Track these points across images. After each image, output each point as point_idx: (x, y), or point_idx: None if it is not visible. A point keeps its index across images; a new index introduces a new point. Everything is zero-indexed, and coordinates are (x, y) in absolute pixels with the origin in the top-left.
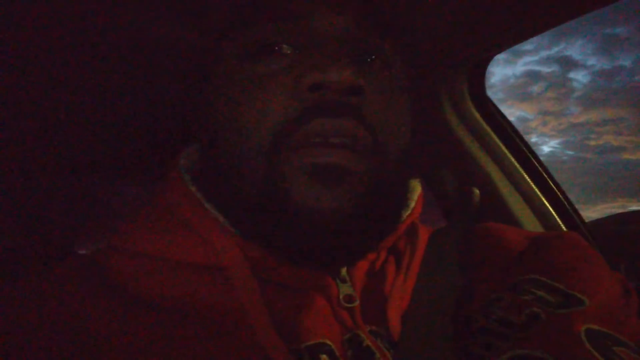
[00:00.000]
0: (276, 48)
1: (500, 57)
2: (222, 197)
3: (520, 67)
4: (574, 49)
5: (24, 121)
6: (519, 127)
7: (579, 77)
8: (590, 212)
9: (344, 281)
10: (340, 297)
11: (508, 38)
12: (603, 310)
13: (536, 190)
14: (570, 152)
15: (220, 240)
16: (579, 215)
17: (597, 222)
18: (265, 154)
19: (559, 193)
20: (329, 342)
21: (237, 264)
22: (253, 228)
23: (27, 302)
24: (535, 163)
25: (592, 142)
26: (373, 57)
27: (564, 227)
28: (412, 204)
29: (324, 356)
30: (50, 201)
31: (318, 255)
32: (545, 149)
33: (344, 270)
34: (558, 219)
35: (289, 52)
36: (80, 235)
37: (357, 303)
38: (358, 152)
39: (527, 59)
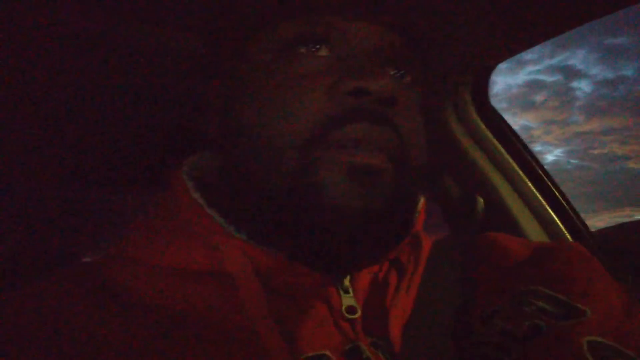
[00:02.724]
0: (313, 49)
1: (503, 66)
2: (245, 196)
3: (523, 76)
4: (577, 59)
5: (25, 128)
6: (523, 136)
7: (582, 86)
8: (596, 222)
9: (346, 292)
10: (343, 308)
11: (511, 47)
12: (605, 322)
13: (541, 199)
14: (575, 161)
15: (225, 247)
16: (584, 224)
17: (603, 232)
18: (300, 149)
19: (563, 202)
20: (328, 353)
21: (243, 270)
22: (277, 225)
23: (27, 309)
24: (540, 172)
25: (596, 151)
26: (403, 71)
27: (569, 237)
28: (416, 215)
29: None
30: (50, 209)
31: (338, 254)
32: (549, 157)
33: (346, 281)
34: (563, 228)
35: (324, 54)
36: (80, 243)
37: (358, 314)
38: (390, 159)
39: (530, 68)
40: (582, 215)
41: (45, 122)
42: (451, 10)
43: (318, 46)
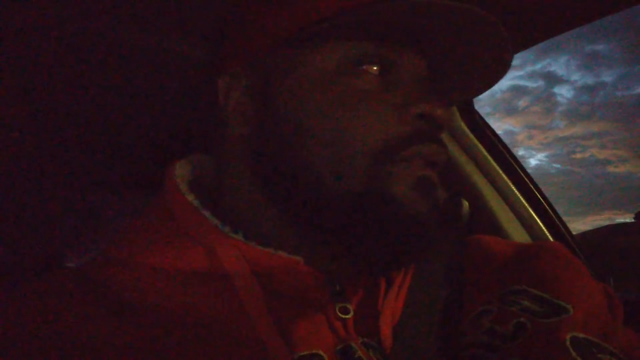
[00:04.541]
0: (375, 69)
1: None
2: (297, 197)
3: (507, 81)
4: (558, 65)
5: (25, 129)
6: (507, 141)
7: (563, 92)
8: (580, 225)
9: (340, 293)
10: (336, 308)
11: None
12: (588, 318)
13: (524, 202)
14: (557, 165)
15: (222, 247)
16: (566, 227)
17: (585, 235)
18: (371, 159)
19: (546, 205)
20: (321, 352)
21: (241, 270)
22: (334, 226)
23: (26, 309)
24: (523, 175)
25: (578, 155)
26: None
27: (551, 239)
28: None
29: None
30: (48, 210)
31: (395, 253)
32: (533, 162)
33: (341, 282)
34: (546, 231)
35: (385, 75)
36: (69, 246)
37: (351, 314)
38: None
39: (513, 73)
40: (565, 218)
41: (45, 122)
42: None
43: (377, 68)
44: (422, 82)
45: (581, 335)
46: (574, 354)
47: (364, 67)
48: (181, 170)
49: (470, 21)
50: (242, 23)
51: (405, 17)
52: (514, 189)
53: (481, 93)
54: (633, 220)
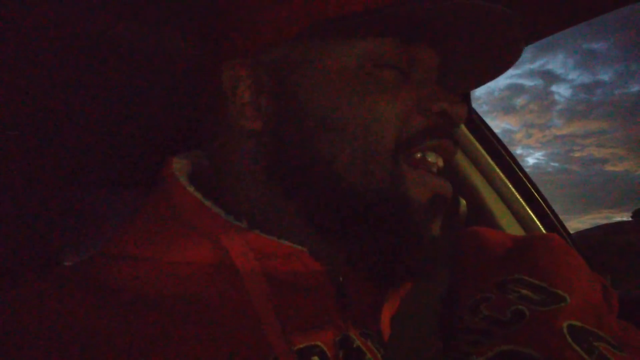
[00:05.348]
0: (396, 66)
1: None
2: (312, 189)
3: (504, 80)
4: (556, 63)
5: (24, 129)
6: (505, 139)
7: (561, 91)
8: (577, 223)
9: (341, 284)
10: (336, 299)
11: None
12: (584, 307)
13: (521, 200)
14: (555, 164)
15: (227, 236)
16: (563, 225)
17: (583, 233)
18: (392, 152)
19: (543, 204)
20: (320, 343)
21: (246, 259)
22: (350, 221)
23: (27, 308)
24: (521, 174)
25: (576, 154)
26: None
27: None
28: None
29: (315, 358)
30: (48, 209)
31: (398, 265)
32: (530, 160)
33: (341, 273)
34: (543, 229)
35: (405, 72)
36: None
37: (351, 305)
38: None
39: (511, 72)
40: (563, 216)
41: (45, 123)
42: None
43: (399, 64)
44: (439, 77)
45: (578, 323)
46: (570, 341)
47: (386, 62)
48: (179, 165)
49: (494, 18)
50: (250, 17)
51: (431, 16)
52: (512, 188)
53: (491, 80)
54: (630, 219)
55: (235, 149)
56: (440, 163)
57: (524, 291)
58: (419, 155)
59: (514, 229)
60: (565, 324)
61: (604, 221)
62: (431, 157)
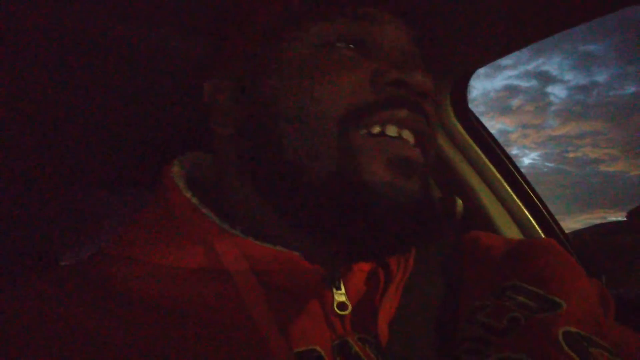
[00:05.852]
0: (351, 46)
1: (481, 71)
2: (282, 187)
3: (500, 81)
4: (552, 65)
5: (23, 128)
6: (500, 140)
7: (557, 92)
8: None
9: (338, 289)
10: (334, 304)
11: (490, 52)
12: (580, 314)
13: (517, 200)
14: (550, 164)
15: (221, 243)
16: (559, 226)
17: (578, 233)
18: (339, 122)
19: (539, 204)
20: (318, 348)
21: (240, 266)
22: (317, 217)
23: (27, 309)
24: (516, 174)
25: (571, 155)
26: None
27: (544, 237)
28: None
29: None
30: (48, 209)
31: (379, 243)
32: (526, 160)
33: (339, 278)
34: (539, 229)
35: (361, 50)
36: (67, 245)
37: (349, 310)
38: (422, 150)
39: (507, 73)
40: (558, 216)
41: (45, 123)
42: (434, 18)
43: (353, 45)
44: (404, 54)
45: (574, 330)
46: (566, 348)
47: (339, 44)
48: (178, 169)
49: None
50: (227, 27)
51: None
52: (508, 188)
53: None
54: (625, 219)
55: (222, 153)
56: (411, 139)
57: (521, 298)
58: (377, 129)
59: (510, 229)
60: (561, 331)
61: (599, 221)
62: (391, 131)
